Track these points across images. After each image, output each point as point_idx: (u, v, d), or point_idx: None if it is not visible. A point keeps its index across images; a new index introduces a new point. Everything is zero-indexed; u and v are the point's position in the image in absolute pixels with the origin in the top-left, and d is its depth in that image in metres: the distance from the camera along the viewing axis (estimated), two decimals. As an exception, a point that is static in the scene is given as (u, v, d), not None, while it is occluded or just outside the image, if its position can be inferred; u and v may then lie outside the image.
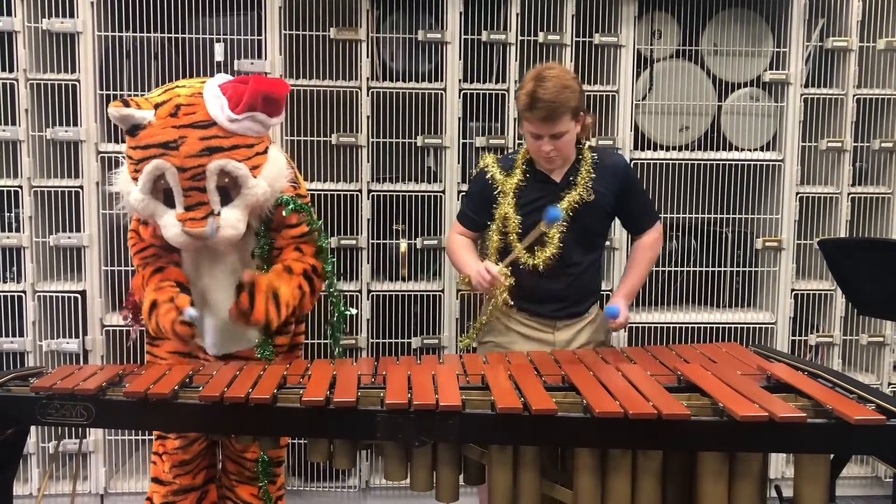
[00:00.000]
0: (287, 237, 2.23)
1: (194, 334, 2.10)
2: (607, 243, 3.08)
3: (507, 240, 2.37)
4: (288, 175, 2.18)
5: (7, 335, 3.09)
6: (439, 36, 3.08)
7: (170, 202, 2.06)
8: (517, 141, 3.12)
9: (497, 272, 2.27)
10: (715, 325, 3.25)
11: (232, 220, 2.06)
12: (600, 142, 3.13)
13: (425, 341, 3.18)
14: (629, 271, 2.47)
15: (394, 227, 3.22)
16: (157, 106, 2.03)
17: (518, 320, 2.42)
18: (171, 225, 2.05)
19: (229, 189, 2.06)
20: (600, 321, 2.48)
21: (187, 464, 2.34)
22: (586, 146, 2.39)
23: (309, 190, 3.08)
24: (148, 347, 2.36)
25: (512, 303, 2.37)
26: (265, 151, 2.12)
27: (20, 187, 3.04)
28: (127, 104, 2.01)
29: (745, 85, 3.27)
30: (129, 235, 2.30)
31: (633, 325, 3.24)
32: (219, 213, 2.05)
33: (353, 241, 3.12)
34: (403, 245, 3.18)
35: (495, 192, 2.38)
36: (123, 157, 2.12)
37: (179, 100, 2.03)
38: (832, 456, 1.74)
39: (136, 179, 2.04)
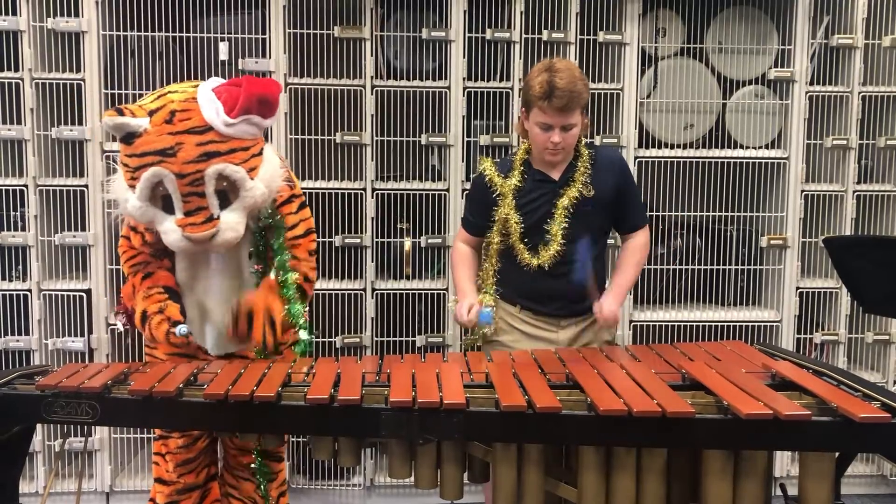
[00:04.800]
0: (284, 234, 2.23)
1: (190, 342, 2.14)
2: (609, 241, 3.08)
3: (507, 241, 2.38)
4: (283, 174, 2.17)
5: (13, 333, 3.10)
6: (443, 34, 3.07)
7: (168, 208, 2.05)
8: (521, 139, 3.12)
9: (468, 320, 2.32)
10: (720, 324, 3.25)
11: (232, 223, 2.07)
12: (604, 139, 3.12)
13: (430, 339, 3.18)
14: (620, 271, 2.46)
15: (398, 226, 3.22)
16: (151, 113, 2.02)
17: (522, 319, 2.42)
18: (171, 231, 2.05)
19: (227, 192, 2.06)
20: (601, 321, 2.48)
21: (191, 462, 2.35)
22: (583, 143, 2.39)
23: (313, 189, 3.11)
24: (147, 349, 2.37)
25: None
26: (260, 153, 2.12)
27: (25, 186, 3.04)
28: (121, 113, 2.00)
29: (750, 83, 3.26)
30: (119, 242, 2.31)
31: (638, 324, 3.23)
32: (218, 217, 2.05)
33: (358, 240, 3.13)
34: (408, 243, 3.18)
35: (494, 196, 2.38)
36: (117, 164, 2.12)
37: (174, 106, 2.03)
38: (837, 454, 1.73)
39: (133, 187, 2.04)
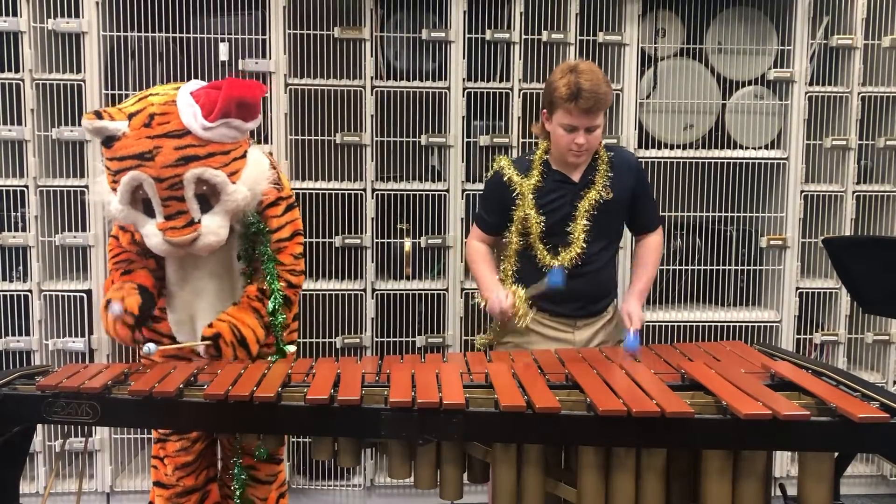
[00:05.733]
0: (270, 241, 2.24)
1: (137, 339, 2.14)
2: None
3: (527, 241, 2.37)
4: (270, 176, 2.17)
5: (13, 334, 3.10)
6: (443, 35, 3.08)
7: (150, 212, 2.06)
8: (521, 140, 3.12)
9: (509, 307, 2.27)
10: (719, 324, 3.25)
11: (213, 227, 2.07)
12: (603, 140, 3.12)
13: (430, 340, 3.18)
14: (639, 272, 2.46)
15: (398, 227, 3.22)
16: (130, 116, 2.02)
17: (538, 321, 2.40)
18: (152, 234, 2.06)
19: (208, 196, 2.05)
20: (617, 320, 2.49)
21: (190, 465, 2.34)
22: (601, 145, 2.39)
23: (313, 189, 3.11)
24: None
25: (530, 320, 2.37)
26: (244, 156, 2.11)
27: (26, 187, 3.05)
28: (100, 116, 2.00)
29: (750, 83, 3.26)
30: (108, 241, 2.32)
31: (638, 324, 3.23)
32: (199, 222, 2.05)
33: (358, 241, 3.13)
34: (408, 244, 3.19)
35: (513, 195, 2.37)
36: (103, 167, 2.12)
37: (153, 109, 2.02)
38: (836, 454, 1.73)
39: (115, 190, 2.05)
